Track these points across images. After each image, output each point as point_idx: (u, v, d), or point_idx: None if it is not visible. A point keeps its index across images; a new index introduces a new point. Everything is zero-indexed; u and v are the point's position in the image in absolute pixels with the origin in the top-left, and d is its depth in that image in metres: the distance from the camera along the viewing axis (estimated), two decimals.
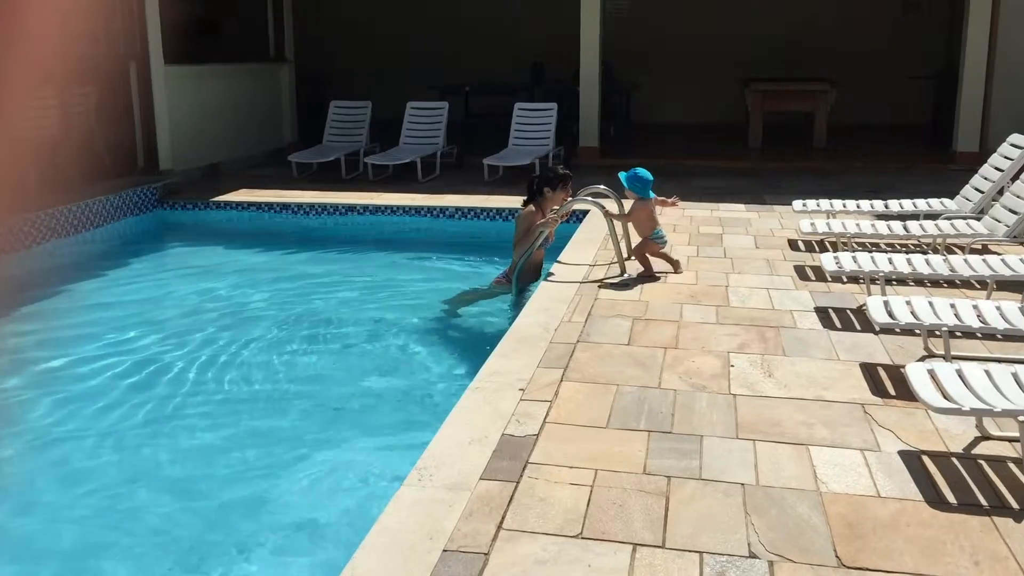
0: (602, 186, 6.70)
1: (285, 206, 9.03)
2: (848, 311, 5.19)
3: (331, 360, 5.48)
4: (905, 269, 5.12)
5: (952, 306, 4.33)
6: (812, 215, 7.25)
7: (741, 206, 8.54)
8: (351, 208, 8.90)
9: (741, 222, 7.80)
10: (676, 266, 6.06)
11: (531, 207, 6.29)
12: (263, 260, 8.07)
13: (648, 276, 5.97)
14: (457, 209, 8.70)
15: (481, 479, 3.20)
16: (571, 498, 3.09)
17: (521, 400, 3.90)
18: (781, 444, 3.49)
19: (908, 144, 12.63)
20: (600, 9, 11.41)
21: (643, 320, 5.06)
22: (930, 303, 4.38)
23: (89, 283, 7.35)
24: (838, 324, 4.97)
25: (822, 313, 5.16)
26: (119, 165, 9.66)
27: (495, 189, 9.42)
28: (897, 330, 4.58)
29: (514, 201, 8.19)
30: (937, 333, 4.33)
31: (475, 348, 5.42)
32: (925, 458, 3.39)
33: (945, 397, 3.33)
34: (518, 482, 3.19)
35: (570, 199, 6.36)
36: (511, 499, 3.08)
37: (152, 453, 4.43)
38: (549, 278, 5.99)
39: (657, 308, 5.29)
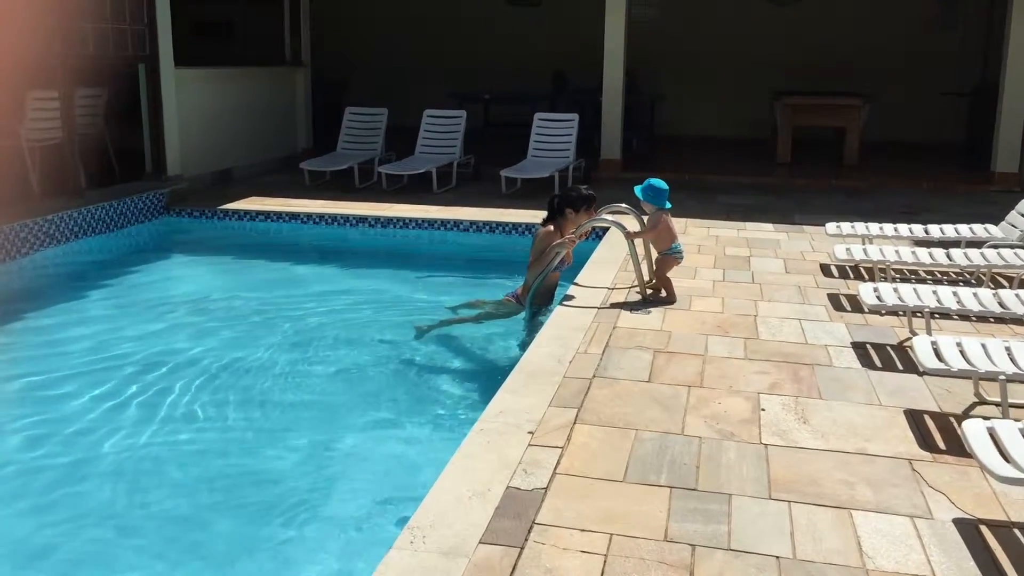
0: (624, 205, 6.33)
1: (294, 216, 8.71)
2: (888, 347, 4.79)
3: (327, 387, 5.11)
4: (952, 304, 4.72)
5: (1008, 350, 3.93)
6: (847, 239, 6.85)
7: (769, 226, 8.14)
8: (362, 219, 8.57)
9: (770, 243, 7.40)
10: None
11: (549, 227, 5.91)
12: (269, 272, 7.74)
13: (670, 301, 5.61)
14: (472, 223, 8.35)
15: (481, 543, 2.84)
16: (582, 569, 2.72)
17: (530, 445, 3.54)
18: (820, 507, 3.11)
19: (942, 163, 12.16)
20: (625, 16, 11.04)
21: (665, 353, 4.68)
22: (983, 345, 3.98)
23: (89, 290, 7.05)
24: (878, 363, 4.57)
25: (860, 349, 4.76)
26: (126, 169, 9.39)
27: (512, 202, 9.06)
28: None
29: (532, 216, 7.85)
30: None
31: (483, 377, 5.06)
32: (983, 528, 3.00)
33: (1006, 459, 2.95)
34: (522, 547, 2.83)
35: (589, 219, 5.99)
36: (513, 569, 2.71)
37: (142, 468, 4.16)
38: (565, 302, 5.63)
39: (680, 339, 4.91)
